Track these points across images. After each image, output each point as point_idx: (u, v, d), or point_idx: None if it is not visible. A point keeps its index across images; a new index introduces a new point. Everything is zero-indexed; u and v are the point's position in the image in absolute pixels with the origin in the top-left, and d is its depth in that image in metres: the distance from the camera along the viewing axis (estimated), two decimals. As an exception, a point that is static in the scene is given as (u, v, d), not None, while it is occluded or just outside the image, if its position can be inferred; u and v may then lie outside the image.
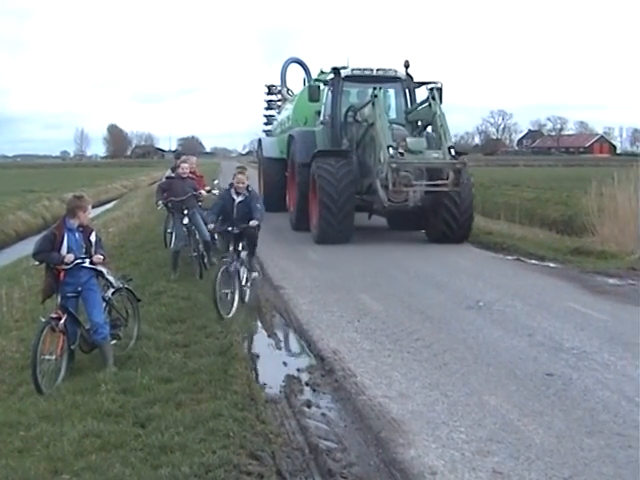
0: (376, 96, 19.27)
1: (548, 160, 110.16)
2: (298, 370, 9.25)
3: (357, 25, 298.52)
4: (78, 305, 9.03)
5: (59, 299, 8.73)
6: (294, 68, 34.70)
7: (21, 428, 7.19)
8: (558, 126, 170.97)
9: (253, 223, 12.04)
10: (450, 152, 18.01)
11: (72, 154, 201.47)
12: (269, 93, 42.37)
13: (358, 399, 7.98)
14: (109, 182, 62.66)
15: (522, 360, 9.14)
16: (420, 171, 18.39)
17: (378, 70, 22.05)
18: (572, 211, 24.15)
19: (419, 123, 20.98)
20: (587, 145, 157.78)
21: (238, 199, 12.31)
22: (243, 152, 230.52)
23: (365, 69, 22.08)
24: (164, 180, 16.43)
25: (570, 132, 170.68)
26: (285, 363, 9.65)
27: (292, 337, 10.91)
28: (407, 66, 22.05)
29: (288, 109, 29.28)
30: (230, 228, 12.18)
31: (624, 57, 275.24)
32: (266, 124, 42.16)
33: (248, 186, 12.48)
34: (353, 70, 22.16)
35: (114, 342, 9.42)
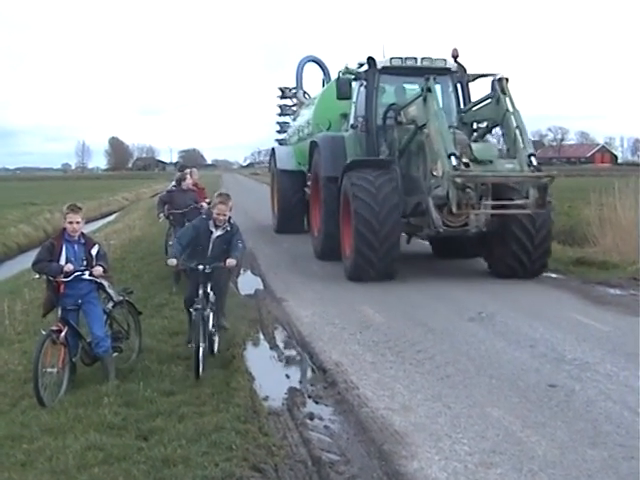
0: (429, 90, 15.20)
1: (550, 170, 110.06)
2: (300, 382, 9.25)
3: (358, 35, 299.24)
4: (79, 318, 9.03)
5: (59, 312, 8.72)
6: (310, 68, 30.41)
7: (24, 441, 7.18)
8: (559, 136, 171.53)
9: (230, 262, 9.83)
10: (531, 162, 14.14)
11: (73, 167, 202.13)
12: (283, 97, 36.83)
13: (361, 411, 7.97)
14: (110, 194, 62.66)
15: (524, 371, 9.14)
16: (485, 187, 14.34)
17: (424, 60, 17.46)
18: (574, 221, 24.14)
19: (475, 126, 17.17)
20: (588, 155, 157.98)
21: (217, 233, 10.23)
22: (244, 164, 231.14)
23: (407, 58, 17.45)
24: (165, 193, 16.40)
25: (571, 142, 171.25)
26: (287, 375, 9.64)
27: (294, 349, 10.89)
28: (456, 56, 17.71)
29: (307, 113, 24.86)
30: (202, 266, 9.86)
31: (625, 67, 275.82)
32: (279, 132, 37.61)
33: (230, 218, 10.44)
34: (392, 60, 17.56)
35: (116, 355, 9.42)
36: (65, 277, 8.62)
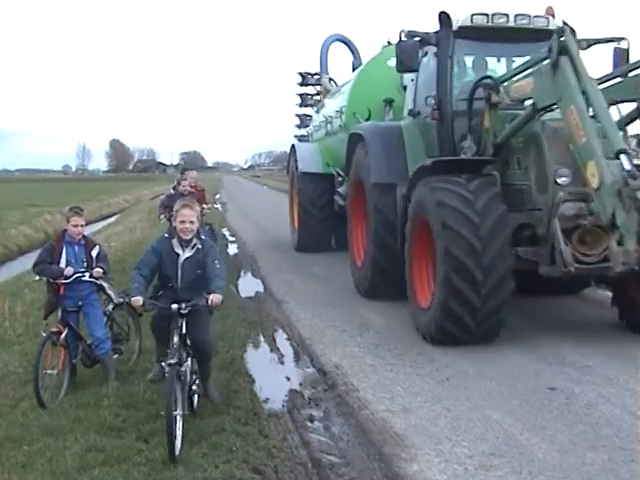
0: (564, 51, 10.06)
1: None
2: (300, 385, 9.26)
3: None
4: (79, 319, 9.05)
5: (59, 313, 8.74)
6: (335, 49, 24.74)
7: (24, 442, 7.19)
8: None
9: (215, 299, 7.28)
10: None
11: (74, 168, 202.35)
12: (303, 84, 29.81)
13: (361, 413, 7.99)
14: (111, 196, 62.71)
15: (524, 374, 9.14)
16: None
17: (519, 18, 12.10)
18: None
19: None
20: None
21: (185, 254, 7.66)
22: (245, 166, 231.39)
23: (496, 15, 12.08)
24: (165, 197, 16.35)
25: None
26: (288, 378, 9.65)
27: (294, 352, 10.90)
28: (552, 15, 12.46)
29: (336, 101, 19.66)
30: (175, 306, 7.32)
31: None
32: (299, 126, 31.69)
33: (199, 231, 7.94)
34: (474, 17, 12.21)
35: (116, 357, 9.44)
36: (65, 279, 8.64)
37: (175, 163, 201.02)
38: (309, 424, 7.86)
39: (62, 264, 8.71)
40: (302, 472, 6.62)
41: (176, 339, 7.30)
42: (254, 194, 65.83)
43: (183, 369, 7.27)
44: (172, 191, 16.09)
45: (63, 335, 8.57)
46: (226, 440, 7.06)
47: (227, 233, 28.53)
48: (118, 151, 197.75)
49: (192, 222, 7.64)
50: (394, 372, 9.44)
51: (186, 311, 7.33)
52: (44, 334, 8.57)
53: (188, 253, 7.68)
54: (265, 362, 10.43)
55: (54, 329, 8.58)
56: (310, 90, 30.31)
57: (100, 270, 8.85)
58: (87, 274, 8.78)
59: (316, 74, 26.93)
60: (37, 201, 51.05)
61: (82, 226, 8.92)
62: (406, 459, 6.73)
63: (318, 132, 21.92)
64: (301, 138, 28.47)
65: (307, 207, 19.98)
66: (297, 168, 20.83)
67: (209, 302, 7.29)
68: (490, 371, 9.30)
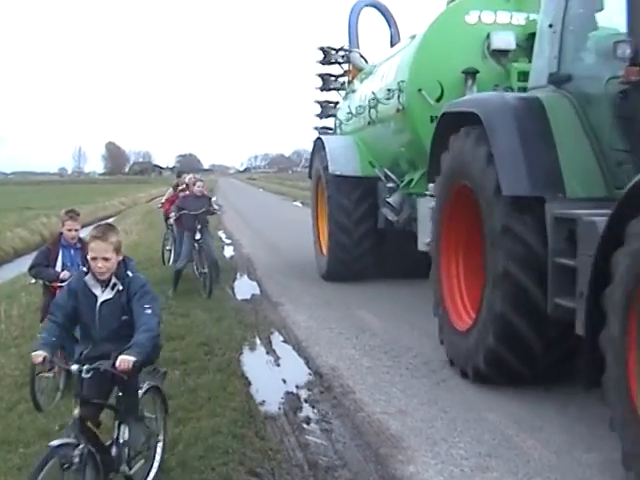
0: None
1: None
2: (297, 387, 9.25)
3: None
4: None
5: None
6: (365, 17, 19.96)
7: (20, 445, 7.16)
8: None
9: (123, 364, 5.25)
10: None
11: (70, 171, 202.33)
12: (325, 62, 23.21)
13: (357, 415, 7.99)
14: (107, 199, 62.62)
15: (520, 376, 9.14)
16: None
17: None
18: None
19: None
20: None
21: (103, 296, 5.83)
22: (241, 169, 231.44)
23: None
24: (180, 199, 16.33)
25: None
26: (284, 380, 9.64)
27: (291, 354, 10.90)
28: None
29: (386, 76, 14.48)
30: (75, 367, 5.43)
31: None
32: (321, 115, 24.66)
33: (125, 261, 6.10)
34: None
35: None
36: (61, 282, 8.63)
37: (171, 166, 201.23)
38: (306, 426, 7.85)
39: (58, 267, 8.70)
40: (299, 474, 6.61)
41: (76, 411, 5.36)
42: (250, 196, 65.93)
43: (77, 452, 5.09)
44: (187, 192, 16.22)
45: None
46: (222, 442, 7.04)
47: (223, 235, 28.54)
48: (114, 154, 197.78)
49: (106, 259, 5.80)
50: (390, 374, 9.45)
51: (88, 375, 5.39)
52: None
53: (107, 294, 5.86)
54: (261, 364, 10.42)
55: None
56: (334, 70, 23.63)
57: None
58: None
59: (341, 49, 21.91)
60: (33, 204, 51.01)
61: (77, 230, 8.91)
62: (402, 461, 6.73)
63: (351, 122, 17.20)
64: (322, 130, 23.14)
65: (340, 221, 15.52)
66: (326, 169, 16.15)
67: (116, 364, 5.30)
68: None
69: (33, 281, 9.09)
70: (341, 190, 15.60)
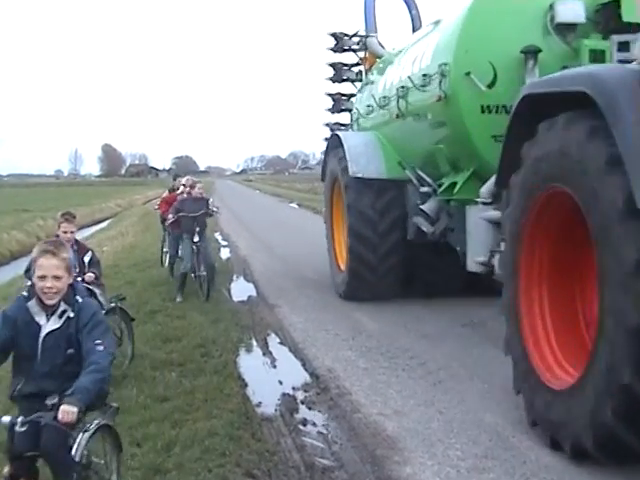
0: None
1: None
2: (293, 388, 9.25)
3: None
4: None
5: None
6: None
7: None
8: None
9: (66, 416, 4.58)
10: None
11: (66, 173, 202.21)
12: (338, 48, 20.79)
13: (353, 417, 7.99)
14: (103, 201, 62.59)
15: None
16: None
17: None
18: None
19: None
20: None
21: (48, 326, 5.08)
22: (237, 170, 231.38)
23: None
24: (177, 202, 16.01)
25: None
26: (280, 382, 9.63)
27: (287, 356, 10.90)
28: None
29: (419, 60, 12.28)
30: (7, 419, 4.85)
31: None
32: (333, 110, 21.78)
33: (73, 284, 5.36)
34: None
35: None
36: None
37: (167, 168, 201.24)
38: (302, 427, 7.85)
39: None
40: (295, 476, 6.61)
41: (6, 470, 4.82)
42: (247, 198, 65.90)
43: None
44: (185, 195, 16.11)
45: None
46: (219, 444, 7.05)
47: (219, 237, 28.54)
48: (110, 156, 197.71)
49: (57, 278, 5.02)
50: (387, 375, 9.45)
51: (22, 429, 4.76)
52: None
53: (53, 324, 5.09)
54: (258, 366, 10.42)
55: None
56: (347, 59, 21.31)
57: (92, 275, 8.85)
58: (79, 279, 8.76)
59: (356, 35, 19.65)
60: (29, 206, 50.94)
61: (72, 232, 8.92)
62: (399, 462, 6.74)
63: (372, 115, 14.92)
64: (335, 126, 21.07)
65: (363, 232, 13.27)
66: (345, 171, 13.85)
67: (59, 416, 4.61)
68: (482, 373, 9.31)
69: (29, 283, 9.07)
70: (363, 195, 13.30)
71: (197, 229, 15.01)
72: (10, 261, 29.06)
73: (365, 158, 13.67)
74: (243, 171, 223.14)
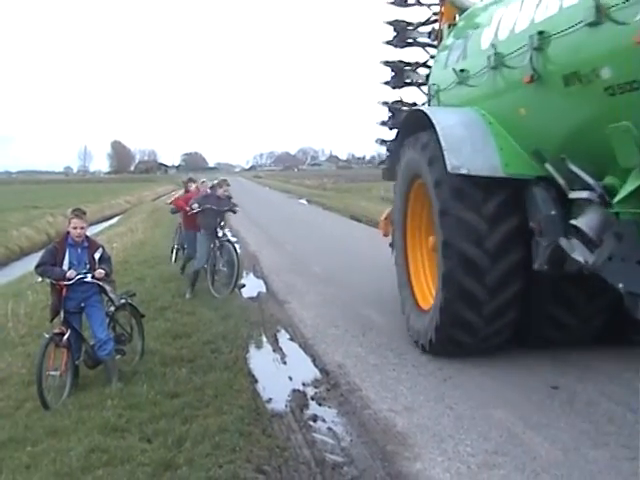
0: None
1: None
2: (303, 384, 9.26)
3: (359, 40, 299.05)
4: (82, 321, 9.06)
5: (62, 315, 8.74)
6: None
7: (28, 443, 7.20)
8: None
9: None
10: None
11: (75, 170, 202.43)
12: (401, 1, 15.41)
13: (364, 413, 8.00)
14: (113, 198, 62.70)
15: (527, 373, 9.14)
16: None
17: None
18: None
19: None
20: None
21: None
22: (246, 167, 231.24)
23: None
24: (200, 197, 15.64)
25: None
26: (290, 377, 9.65)
27: (297, 352, 10.91)
28: None
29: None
30: None
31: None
32: (393, 83, 15.69)
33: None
34: None
35: (119, 357, 9.44)
36: (67, 281, 8.65)
37: (176, 164, 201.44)
38: (312, 424, 7.86)
39: (65, 266, 8.72)
40: (306, 471, 6.62)
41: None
42: (256, 195, 65.90)
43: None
44: (208, 190, 15.93)
45: (66, 336, 8.58)
46: (229, 440, 7.06)
47: (229, 233, 28.52)
48: (120, 152, 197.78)
49: None
50: (397, 371, 9.45)
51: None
52: (46, 335, 8.58)
53: None
54: (268, 362, 10.43)
55: (56, 330, 8.59)
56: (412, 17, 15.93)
57: (102, 271, 8.85)
58: (89, 275, 8.79)
59: None
60: (39, 203, 51.08)
61: (82, 228, 8.92)
62: (409, 458, 6.74)
63: (473, 84, 10.19)
64: (394, 105, 15.93)
65: (465, 251, 9.15)
66: (432, 164, 9.79)
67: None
68: (492, 370, 9.30)
69: (39, 280, 9.12)
70: (466, 199, 9.25)
71: (222, 223, 15.19)
72: (20, 257, 29.19)
73: (469, 146, 9.43)
74: (252, 167, 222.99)
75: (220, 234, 15.11)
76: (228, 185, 16.09)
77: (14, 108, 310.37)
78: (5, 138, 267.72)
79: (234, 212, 15.89)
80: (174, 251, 19.11)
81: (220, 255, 15.05)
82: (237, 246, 16.45)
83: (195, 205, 14.89)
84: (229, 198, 15.95)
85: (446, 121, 9.83)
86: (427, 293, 10.85)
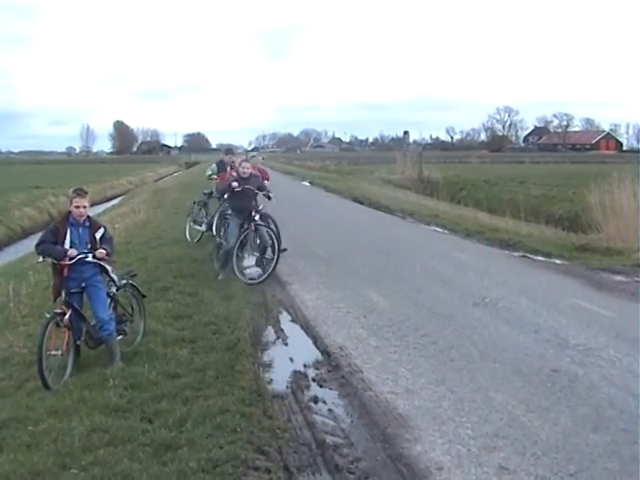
0: None
1: (554, 157, 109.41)
2: (305, 366, 9.27)
3: (359, 23, 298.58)
4: (83, 301, 9.05)
5: (63, 295, 8.73)
6: None
7: (29, 423, 7.21)
8: (564, 123, 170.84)
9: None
10: None
11: (78, 150, 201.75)
12: None
13: (364, 395, 8.01)
14: (115, 178, 62.56)
15: (528, 356, 9.15)
16: None
17: None
18: (578, 208, 24.14)
19: None
20: (593, 142, 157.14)
21: None
22: (249, 148, 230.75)
23: None
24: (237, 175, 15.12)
25: (576, 129, 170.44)
26: (292, 359, 9.66)
27: (298, 333, 10.92)
28: None
29: None
30: None
31: (631, 53, 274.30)
32: None
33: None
34: None
35: (120, 338, 9.43)
36: (70, 260, 8.63)
37: (179, 145, 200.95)
38: (313, 405, 7.87)
39: (66, 245, 8.70)
40: (306, 453, 6.64)
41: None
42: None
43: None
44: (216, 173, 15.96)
45: (67, 316, 8.56)
46: (230, 421, 7.06)
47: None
48: (122, 133, 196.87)
49: None
50: (398, 353, 9.46)
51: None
52: (48, 315, 8.56)
53: None
54: (269, 343, 10.44)
55: (58, 310, 8.56)
56: None
57: (103, 251, 8.82)
58: (90, 255, 8.77)
59: None
60: (41, 183, 50.94)
61: (85, 207, 8.87)
62: (410, 440, 6.76)
63: None
64: None
65: None
66: None
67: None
68: (493, 353, 9.31)
69: (41, 259, 9.04)
70: None
71: (260, 207, 14.91)
72: (22, 238, 29.18)
73: None
74: (254, 149, 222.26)
75: (257, 217, 14.63)
76: (263, 158, 15.55)
77: (16, 87, 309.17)
78: (7, 118, 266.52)
79: (269, 198, 15.38)
80: (192, 230, 19.09)
81: (254, 239, 14.81)
82: (274, 231, 15.39)
83: (235, 183, 14.50)
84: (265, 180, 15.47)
85: None
86: None
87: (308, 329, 10.91)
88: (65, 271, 8.70)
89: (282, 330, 11.03)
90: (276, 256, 14.54)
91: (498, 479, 5.99)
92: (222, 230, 16.23)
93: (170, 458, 6.33)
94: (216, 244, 16.18)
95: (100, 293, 9.02)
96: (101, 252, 8.80)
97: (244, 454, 6.39)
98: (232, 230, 14.82)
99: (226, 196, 15.12)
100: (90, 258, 8.76)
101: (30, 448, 6.66)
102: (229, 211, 15.37)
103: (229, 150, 20.33)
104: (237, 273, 14.45)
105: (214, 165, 19.05)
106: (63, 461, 6.33)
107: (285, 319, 11.66)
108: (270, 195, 15.26)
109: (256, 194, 14.81)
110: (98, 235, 8.90)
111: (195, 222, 19.53)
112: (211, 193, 19.05)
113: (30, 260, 16.98)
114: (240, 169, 14.87)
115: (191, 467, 6.10)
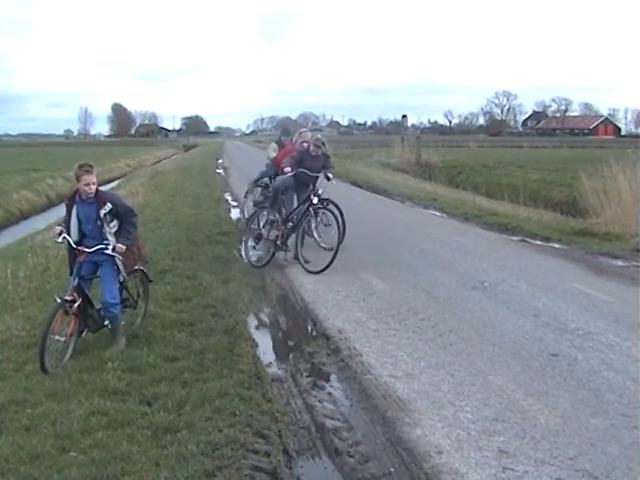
0: None
1: (552, 141, 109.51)
2: (304, 349, 9.25)
3: (358, 6, 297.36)
4: (91, 286, 9.01)
5: (76, 281, 8.65)
6: None
7: (28, 406, 7.20)
8: (563, 107, 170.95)
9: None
10: None
11: (76, 133, 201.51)
12: None
13: (364, 378, 8.00)
14: (113, 161, 62.52)
15: (527, 340, 9.15)
16: None
17: None
18: (576, 192, 24.13)
19: None
20: (592, 127, 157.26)
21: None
22: (247, 132, 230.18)
23: None
24: (296, 153, 14.62)
25: (575, 113, 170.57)
26: (290, 342, 9.65)
27: (298, 316, 10.91)
28: None
29: None
30: None
31: (630, 38, 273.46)
32: None
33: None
34: None
35: (123, 324, 9.38)
36: (87, 249, 8.62)
37: (177, 128, 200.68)
38: (312, 389, 7.87)
39: (73, 221, 8.65)
40: (305, 436, 6.64)
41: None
42: (256, 159, 65.37)
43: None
44: (305, 145, 14.89)
45: (77, 304, 8.48)
46: (229, 404, 7.06)
47: (229, 198, 28.47)
48: (120, 115, 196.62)
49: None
50: (397, 337, 9.45)
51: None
52: (58, 300, 8.44)
53: None
54: (268, 326, 10.44)
55: (68, 297, 8.44)
56: None
57: (123, 247, 8.75)
58: (110, 247, 8.70)
59: None
60: (39, 165, 50.89)
61: (94, 183, 8.79)
62: (409, 424, 6.75)
63: None
64: None
65: None
66: None
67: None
68: (493, 337, 9.31)
69: (60, 239, 8.92)
70: None
71: (319, 191, 13.88)
72: (20, 220, 29.16)
73: None
74: (253, 132, 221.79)
75: (315, 200, 13.73)
76: (323, 143, 14.64)
77: (14, 70, 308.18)
78: (4, 100, 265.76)
79: (328, 179, 14.20)
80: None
81: (314, 224, 14.47)
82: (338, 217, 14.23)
83: (288, 169, 14.06)
84: (327, 157, 14.68)
85: None
86: None
87: (307, 312, 10.90)
88: (81, 257, 8.66)
89: (281, 313, 11.03)
90: (336, 247, 13.40)
91: (498, 463, 5.98)
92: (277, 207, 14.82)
93: (169, 441, 6.33)
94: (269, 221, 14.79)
95: (112, 276, 8.95)
96: (120, 247, 8.73)
97: (243, 437, 6.39)
98: (290, 199, 14.36)
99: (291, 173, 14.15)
100: (109, 251, 8.71)
101: (29, 431, 6.65)
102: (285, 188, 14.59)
103: (286, 131, 19.92)
104: (300, 258, 13.90)
105: (274, 144, 18.47)
106: (62, 444, 6.32)
107: (284, 302, 11.65)
108: (329, 176, 14.23)
109: (316, 177, 14.25)
110: (103, 212, 8.75)
111: (255, 205, 18.18)
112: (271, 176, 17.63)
113: (28, 243, 16.99)
114: (311, 148, 14.32)
115: (190, 450, 6.10)
